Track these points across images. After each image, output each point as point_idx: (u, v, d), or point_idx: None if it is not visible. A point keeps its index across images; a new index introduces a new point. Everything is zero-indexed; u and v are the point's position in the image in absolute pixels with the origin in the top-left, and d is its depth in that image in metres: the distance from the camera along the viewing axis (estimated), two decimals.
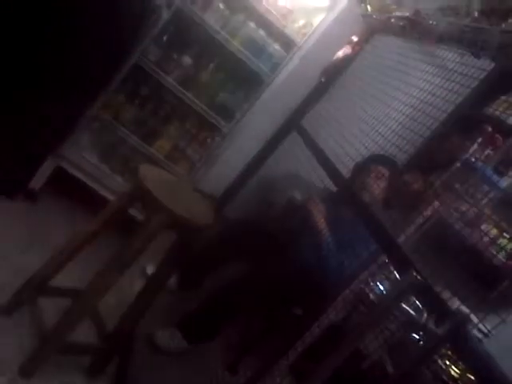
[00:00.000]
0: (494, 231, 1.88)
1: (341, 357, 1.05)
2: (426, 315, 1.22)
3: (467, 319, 0.95)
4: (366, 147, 2.85)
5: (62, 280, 1.97)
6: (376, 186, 2.43)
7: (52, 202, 2.71)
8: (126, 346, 2.06)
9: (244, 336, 2.44)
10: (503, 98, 2.48)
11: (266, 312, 2.33)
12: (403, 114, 2.84)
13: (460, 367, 1.41)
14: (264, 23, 2.82)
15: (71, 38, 2.26)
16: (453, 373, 1.40)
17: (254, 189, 3.19)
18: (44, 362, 1.75)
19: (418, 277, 1.02)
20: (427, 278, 1.03)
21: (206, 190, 2.81)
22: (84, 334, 2.01)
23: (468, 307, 1.04)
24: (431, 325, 1.10)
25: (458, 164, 1.92)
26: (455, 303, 1.07)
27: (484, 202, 1.91)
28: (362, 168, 2.54)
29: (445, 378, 1.37)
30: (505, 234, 1.82)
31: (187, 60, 2.80)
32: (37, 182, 2.58)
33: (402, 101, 2.85)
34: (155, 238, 1.77)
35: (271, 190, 3.26)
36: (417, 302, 1.26)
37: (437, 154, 2.56)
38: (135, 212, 2.57)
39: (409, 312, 1.20)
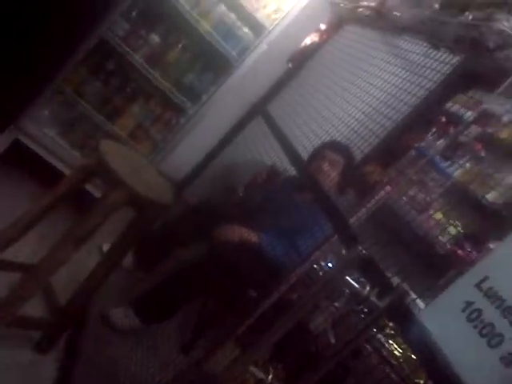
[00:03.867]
0: (441, 217, 1.95)
1: (284, 327, 1.07)
2: (368, 288, 1.25)
3: (407, 294, 0.98)
4: (329, 135, 2.89)
5: (14, 254, 1.93)
6: (330, 172, 2.48)
7: (8, 175, 2.64)
8: (78, 321, 2.04)
9: (199, 317, 2.45)
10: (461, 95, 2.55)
11: (221, 293, 2.34)
12: (367, 105, 2.89)
13: (402, 346, 1.46)
14: (235, 6, 2.81)
15: (38, 4, 2.21)
16: (395, 351, 1.46)
17: (216, 172, 3.18)
18: None
19: (363, 251, 1.05)
20: (371, 254, 1.06)
21: (167, 171, 2.79)
22: (34, 307, 1.98)
23: (409, 285, 1.08)
24: (373, 298, 1.13)
25: (413, 152, 1.97)
26: (396, 280, 1.11)
27: (433, 188, 1.97)
28: (317, 154, 2.58)
29: (385, 353, 1.42)
30: (451, 221, 1.90)
31: (155, 38, 2.77)
32: None
33: (366, 91, 2.90)
34: (112, 213, 1.75)
35: (233, 174, 3.27)
36: (360, 276, 1.30)
37: (396, 145, 2.61)
38: (93, 189, 2.53)
39: (352, 284, 1.24)
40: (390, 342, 1.44)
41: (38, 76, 2.44)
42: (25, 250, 2.00)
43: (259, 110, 2.89)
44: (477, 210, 1.96)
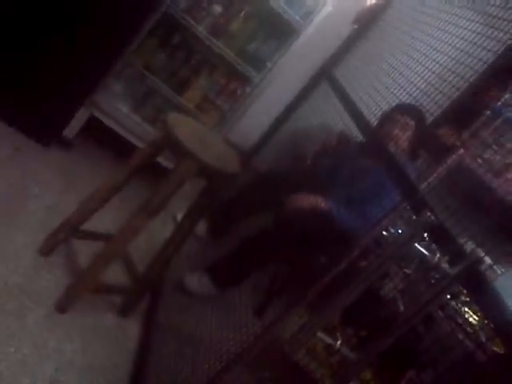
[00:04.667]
0: None
1: (352, 293, 1.07)
2: (438, 255, 1.23)
3: (480, 260, 0.95)
4: (398, 98, 2.79)
5: (94, 224, 2.05)
6: (401, 136, 2.40)
7: (85, 151, 2.79)
8: (156, 287, 2.16)
9: (271, 281, 2.51)
10: None
11: (292, 260, 2.37)
12: (438, 64, 2.74)
13: (478, 313, 1.42)
14: None
15: None
16: (471, 319, 1.42)
17: (284, 139, 3.18)
18: (78, 300, 1.85)
19: (433, 217, 1.02)
20: (442, 219, 1.03)
21: (235, 141, 2.83)
22: (117, 276, 2.11)
23: (485, 251, 1.04)
24: (444, 265, 1.11)
25: (488, 112, 1.85)
26: (471, 246, 1.07)
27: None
28: (387, 117, 2.50)
29: (460, 320, 1.39)
30: None
31: (217, 8, 2.77)
32: (71, 130, 2.65)
33: (437, 50, 2.75)
34: (183, 184, 1.81)
35: (302, 141, 3.25)
36: (432, 243, 1.27)
37: (470, 106, 2.48)
38: (165, 161, 2.62)
39: (422, 251, 1.21)
40: (466, 309, 1.41)
41: (108, 52, 2.52)
42: (104, 221, 2.12)
43: (325, 74, 2.84)
44: None
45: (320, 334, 1.33)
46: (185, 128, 1.91)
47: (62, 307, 1.83)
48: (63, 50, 2.40)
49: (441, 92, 2.64)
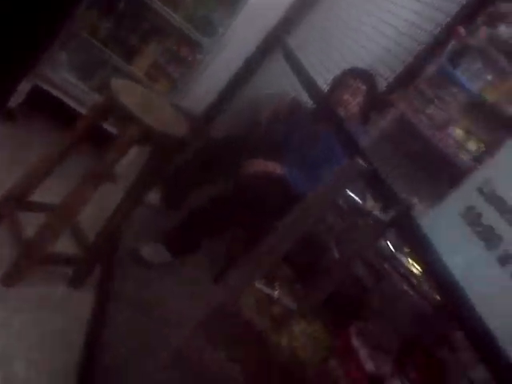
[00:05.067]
0: (461, 133, 1.85)
1: (286, 241, 1.07)
2: (371, 203, 1.23)
3: (412, 206, 0.96)
4: (351, 63, 2.77)
5: (41, 195, 1.99)
6: (352, 100, 2.40)
7: (31, 122, 2.69)
8: (107, 257, 2.12)
9: (229, 247, 2.51)
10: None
11: (247, 225, 2.37)
12: (392, 27, 2.74)
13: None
14: None
15: None
16: (414, 270, 1.45)
17: (240, 106, 3.15)
18: (26, 273, 1.80)
19: (363, 163, 1.01)
20: (376, 167, 1.03)
21: (189, 108, 2.78)
22: (66, 246, 2.05)
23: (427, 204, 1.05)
24: (377, 212, 1.11)
25: (431, 68, 1.86)
26: (406, 195, 1.08)
27: (452, 104, 1.87)
28: (339, 81, 2.49)
29: (403, 271, 1.41)
30: (472, 137, 1.80)
31: None
32: (14, 100, 2.54)
33: (392, 12, 2.75)
34: (128, 149, 1.77)
35: (257, 107, 3.22)
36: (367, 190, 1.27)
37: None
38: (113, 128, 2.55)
39: (353, 199, 1.21)
40: (409, 259, 1.43)
41: (52, 20, 2.41)
42: (51, 191, 2.05)
43: (276, 39, 2.80)
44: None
45: (259, 285, 1.33)
46: (129, 93, 1.85)
47: (10, 281, 1.78)
48: (4, 21, 2.29)
49: (395, 56, 2.64)
